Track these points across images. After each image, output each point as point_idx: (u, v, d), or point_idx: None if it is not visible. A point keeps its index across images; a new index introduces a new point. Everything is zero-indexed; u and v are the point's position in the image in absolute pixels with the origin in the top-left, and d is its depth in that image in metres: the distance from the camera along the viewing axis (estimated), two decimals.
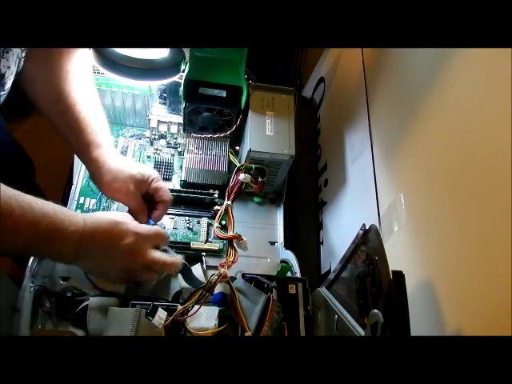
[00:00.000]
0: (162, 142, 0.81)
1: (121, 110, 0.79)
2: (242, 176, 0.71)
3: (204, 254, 0.71)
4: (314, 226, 0.90)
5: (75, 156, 0.69)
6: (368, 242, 0.47)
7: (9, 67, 0.52)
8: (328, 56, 0.97)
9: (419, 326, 0.43)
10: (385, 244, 0.44)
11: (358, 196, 0.73)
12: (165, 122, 0.80)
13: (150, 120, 0.79)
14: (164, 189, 0.66)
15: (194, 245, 0.71)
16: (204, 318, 0.57)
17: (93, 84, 0.66)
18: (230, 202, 0.70)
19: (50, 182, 0.93)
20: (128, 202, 0.63)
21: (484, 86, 0.44)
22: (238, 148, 0.81)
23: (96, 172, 0.62)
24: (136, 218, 0.60)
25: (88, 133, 0.61)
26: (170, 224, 0.73)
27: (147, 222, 0.64)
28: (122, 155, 0.67)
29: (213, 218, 0.74)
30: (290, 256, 0.73)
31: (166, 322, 0.54)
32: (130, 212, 0.62)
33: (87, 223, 0.52)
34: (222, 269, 0.62)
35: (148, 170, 0.66)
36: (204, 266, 0.70)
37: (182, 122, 0.77)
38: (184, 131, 0.78)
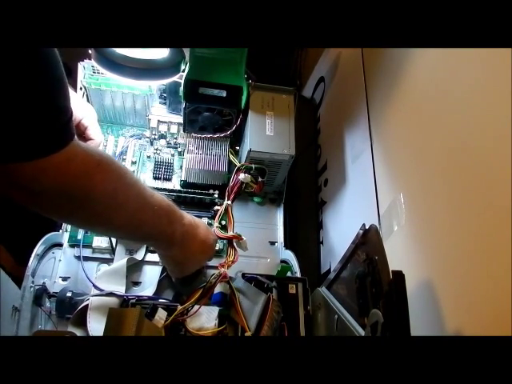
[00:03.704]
0: (162, 141, 0.81)
1: (121, 109, 0.79)
2: (242, 176, 0.71)
3: None
4: (314, 226, 0.90)
5: None
6: (368, 242, 0.47)
7: None
8: (328, 56, 0.96)
9: (419, 326, 0.43)
10: (385, 244, 0.44)
11: (357, 196, 0.73)
12: (165, 122, 0.80)
13: (149, 120, 0.79)
14: (97, 128, 0.68)
15: None
16: (204, 318, 0.57)
17: None
18: (229, 202, 0.70)
19: None
20: None
21: (485, 86, 0.44)
22: (238, 148, 0.80)
23: None
24: None
25: None
26: None
27: None
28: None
29: (213, 217, 0.74)
30: (290, 256, 0.73)
31: (166, 321, 0.54)
32: None
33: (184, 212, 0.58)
34: (222, 269, 0.62)
35: (88, 109, 0.68)
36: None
37: (182, 121, 0.77)
38: (184, 131, 0.78)
